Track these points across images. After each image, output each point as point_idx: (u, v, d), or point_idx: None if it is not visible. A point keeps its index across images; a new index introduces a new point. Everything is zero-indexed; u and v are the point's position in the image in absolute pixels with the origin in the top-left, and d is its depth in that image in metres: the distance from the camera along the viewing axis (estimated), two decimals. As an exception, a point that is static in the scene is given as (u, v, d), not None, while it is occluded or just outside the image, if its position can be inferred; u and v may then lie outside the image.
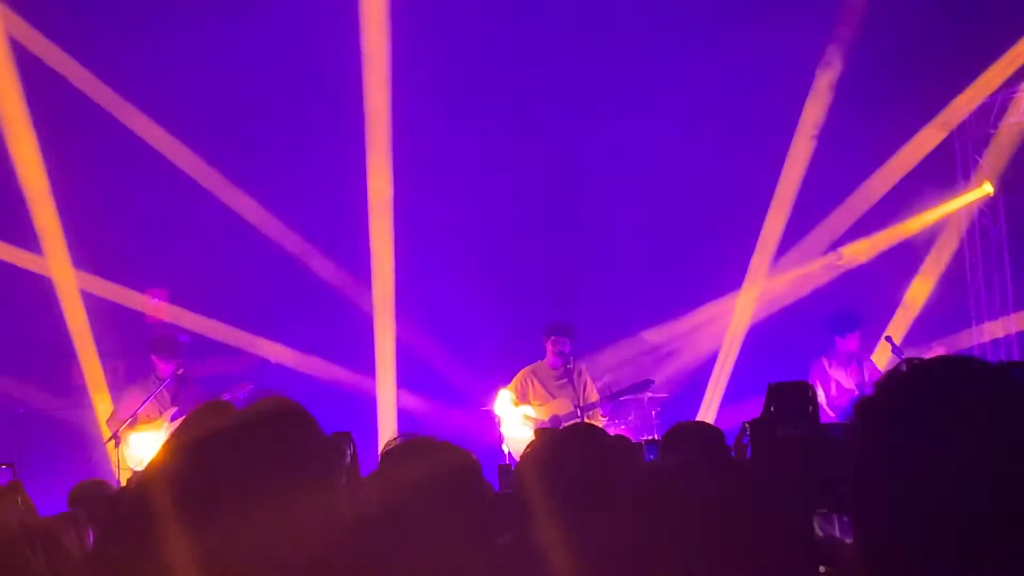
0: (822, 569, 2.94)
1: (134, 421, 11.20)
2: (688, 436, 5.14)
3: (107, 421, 11.41)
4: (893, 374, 1.96)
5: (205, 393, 11.34)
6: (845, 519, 3.26)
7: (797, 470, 3.38)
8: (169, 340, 11.70)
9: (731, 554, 2.60)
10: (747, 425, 6.23)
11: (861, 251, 13.88)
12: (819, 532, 3.23)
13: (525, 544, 3.91)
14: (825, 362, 11.84)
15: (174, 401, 11.29)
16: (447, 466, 3.20)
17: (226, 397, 11.14)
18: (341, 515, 1.90)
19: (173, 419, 11.18)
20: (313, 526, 1.81)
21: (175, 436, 1.92)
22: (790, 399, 3.56)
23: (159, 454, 1.93)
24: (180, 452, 1.89)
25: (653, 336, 13.83)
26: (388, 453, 3.33)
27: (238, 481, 1.82)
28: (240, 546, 1.77)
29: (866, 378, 11.76)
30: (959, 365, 1.95)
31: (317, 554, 1.81)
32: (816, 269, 13.90)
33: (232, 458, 1.84)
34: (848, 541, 3.23)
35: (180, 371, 11.36)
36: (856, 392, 11.68)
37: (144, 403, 11.17)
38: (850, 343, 11.75)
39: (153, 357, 11.41)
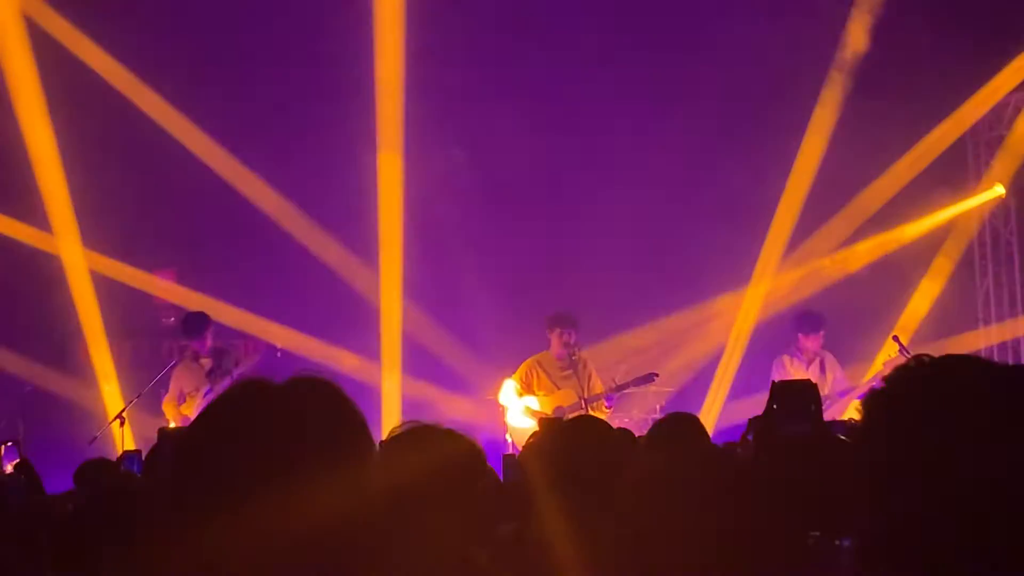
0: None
1: (183, 399, 11.30)
2: (670, 430, 5.15)
3: (163, 404, 11.42)
4: (903, 369, 1.93)
5: (240, 363, 11.39)
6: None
7: (799, 467, 3.38)
8: (198, 318, 11.70)
9: (729, 550, 2.61)
10: (753, 421, 6.25)
11: (852, 258, 13.86)
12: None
13: (527, 534, 3.92)
14: (787, 359, 11.83)
15: (208, 377, 11.34)
16: (451, 454, 3.21)
17: (238, 370, 11.24)
18: (369, 495, 1.92)
19: (206, 395, 11.24)
20: (341, 505, 1.85)
21: (204, 413, 1.94)
22: (793, 397, 3.57)
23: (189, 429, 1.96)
24: (203, 430, 1.91)
25: (637, 339, 13.80)
26: (392, 440, 3.33)
27: (262, 460, 1.84)
28: (259, 526, 1.79)
29: (828, 378, 11.75)
30: (972, 364, 1.92)
31: (342, 533, 1.85)
32: (806, 275, 13.88)
33: (261, 434, 1.87)
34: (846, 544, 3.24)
35: (215, 346, 11.46)
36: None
37: (152, 383, 11.26)
38: (812, 342, 11.76)
39: (185, 338, 11.50)
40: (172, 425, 11.15)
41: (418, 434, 3.28)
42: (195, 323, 11.58)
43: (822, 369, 11.73)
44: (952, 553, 1.79)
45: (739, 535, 2.63)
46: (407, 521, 3.07)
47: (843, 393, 11.59)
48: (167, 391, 11.44)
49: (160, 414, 11.60)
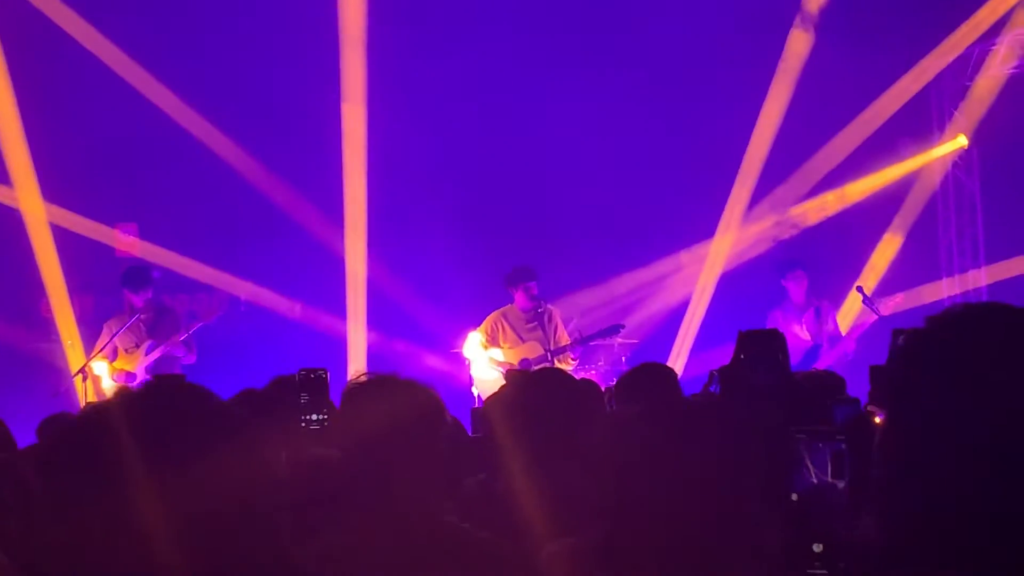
0: (817, 547, 2.92)
1: (115, 355, 11.25)
2: (641, 381, 5.15)
3: (95, 358, 11.38)
4: (953, 310, 1.86)
5: (180, 324, 11.36)
6: (832, 450, 3.26)
7: (766, 417, 3.37)
8: (140, 272, 11.70)
9: (696, 505, 2.61)
10: (714, 373, 6.26)
11: (809, 212, 13.89)
12: (813, 479, 3.22)
13: (493, 485, 3.92)
14: (780, 314, 11.93)
15: (150, 333, 11.29)
16: (409, 404, 3.18)
17: (197, 325, 11.24)
18: (271, 470, 2.04)
19: (148, 351, 11.20)
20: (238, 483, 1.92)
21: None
22: (760, 347, 3.56)
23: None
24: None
25: (603, 292, 13.81)
26: (351, 391, 3.29)
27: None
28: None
29: (825, 328, 11.85)
30: (1015, 311, 1.84)
31: (252, 507, 1.93)
32: (766, 232, 13.91)
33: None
34: (840, 485, 3.24)
35: (156, 302, 11.42)
36: (812, 343, 11.76)
37: (115, 335, 11.19)
38: (796, 286, 11.86)
39: (126, 291, 11.42)
40: (106, 380, 11.13)
41: (376, 384, 3.26)
42: (138, 277, 11.53)
43: (817, 315, 11.84)
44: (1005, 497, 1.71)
45: (707, 485, 2.63)
46: (366, 471, 3.05)
47: (832, 338, 11.72)
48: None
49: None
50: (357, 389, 3.26)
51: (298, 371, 4.92)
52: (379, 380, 3.26)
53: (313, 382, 4.85)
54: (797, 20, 13.32)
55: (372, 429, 3.07)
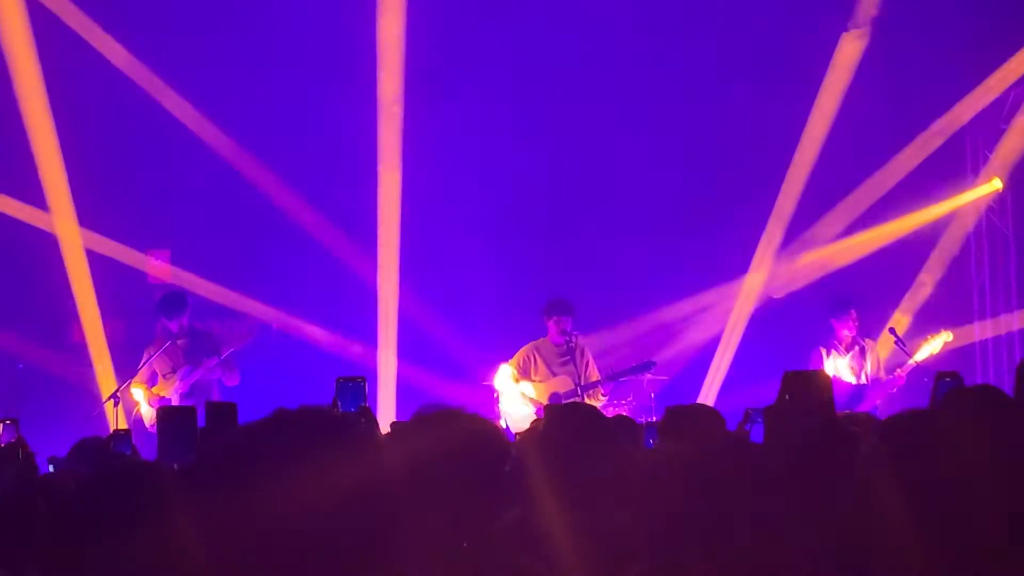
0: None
1: (154, 381, 11.29)
2: (688, 420, 5.12)
3: (134, 385, 11.41)
4: None
5: (219, 348, 11.37)
6: None
7: (811, 460, 3.36)
8: (176, 298, 11.75)
9: (730, 541, 2.60)
10: (749, 411, 6.23)
11: (844, 251, 13.83)
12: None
13: (526, 522, 3.91)
14: (823, 351, 11.83)
15: (187, 358, 11.32)
16: (479, 437, 3.22)
17: (226, 351, 11.26)
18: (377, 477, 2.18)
19: (183, 378, 11.21)
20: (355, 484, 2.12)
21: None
22: (805, 388, 3.55)
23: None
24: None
25: (634, 327, 13.79)
26: (422, 418, 3.32)
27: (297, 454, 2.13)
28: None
29: (868, 367, 11.76)
30: None
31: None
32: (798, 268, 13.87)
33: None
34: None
35: (192, 327, 11.45)
36: (856, 383, 11.66)
37: (147, 360, 11.23)
38: (847, 326, 11.76)
39: (162, 317, 11.47)
40: (144, 406, 11.17)
41: (447, 415, 3.29)
42: (173, 303, 11.58)
43: (862, 354, 11.76)
44: None
45: (739, 528, 2.63)
46: (429, 499, 3.07)
47: (875, 382, 11.64)
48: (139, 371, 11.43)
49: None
50: (428, 418, 3.29)
51: (336, 379, 4.92)
52: (450, 412, 3.30)
53: (350, 389, 4.84)
54: (852, 24, 13.23)
55: (439, 456, 3.11)
